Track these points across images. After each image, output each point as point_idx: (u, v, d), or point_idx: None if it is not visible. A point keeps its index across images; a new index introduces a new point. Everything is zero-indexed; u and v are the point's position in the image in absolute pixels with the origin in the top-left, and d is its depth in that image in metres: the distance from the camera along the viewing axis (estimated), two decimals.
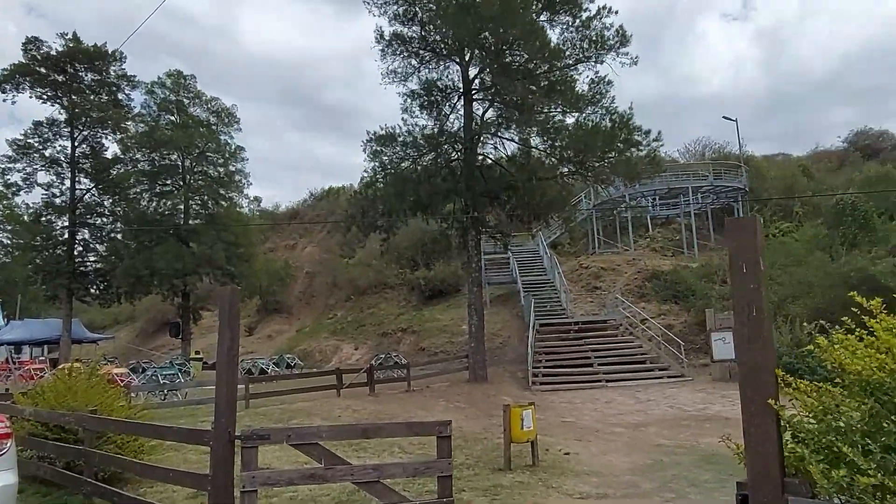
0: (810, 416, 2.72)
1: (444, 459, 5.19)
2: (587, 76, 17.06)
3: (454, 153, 18.88)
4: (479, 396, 15.79)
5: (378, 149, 18.97)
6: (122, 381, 16.73)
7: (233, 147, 32.50)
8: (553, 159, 17.24)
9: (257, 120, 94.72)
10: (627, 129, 15.42)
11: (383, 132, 19.30)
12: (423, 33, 17.86)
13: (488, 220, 19.90)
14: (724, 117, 36.50)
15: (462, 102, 18.72)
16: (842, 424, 2.48)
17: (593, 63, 16.32)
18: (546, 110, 16.63)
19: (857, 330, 2.70)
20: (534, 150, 18.02)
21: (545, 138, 17.21)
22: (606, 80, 16.89)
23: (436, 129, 18.87)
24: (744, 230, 2.52)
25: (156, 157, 31.40)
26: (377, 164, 19.53)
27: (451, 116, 19.08)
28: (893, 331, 2.46)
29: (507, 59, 16.62)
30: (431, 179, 18.18)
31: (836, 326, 3.05)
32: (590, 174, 16.63)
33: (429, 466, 5.17)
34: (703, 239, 31.76)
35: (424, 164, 19.09)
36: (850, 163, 41.07)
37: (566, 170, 17.23)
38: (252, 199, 34.61)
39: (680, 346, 18.76)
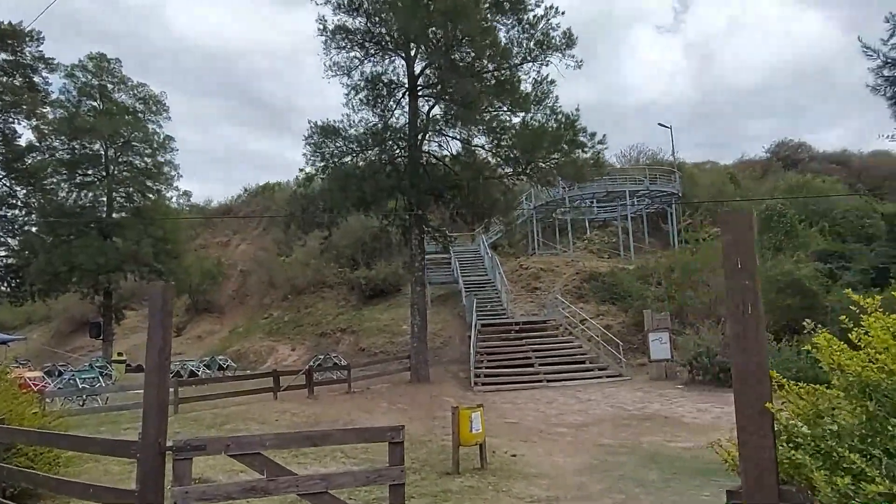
0: (799, 420, 2.61)
1: (396, 467, 4.89)
2: (532, 76, 17.11)
3: (398, 150, 18.54)
4: (421, 398, 15.51)
5: (321, 141, 18.39)
6: (35, 385, 15.43)
7: (161, 137, 30.84)
8: (498, 159, 17.20)
9: (187, 111, 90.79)
10: (573, 131, 15.56)
11: (326, 124, 18.76)
12: (368, 25, 17.44)
13: (432, 219, 19.67)
14: (659, 124, 37.92)
15: (407, 98, 18.41)
16: (835, 428, 2.36)
17: (539, 63, 16.40)
18: (492, 109, 16.56)
19: (855, 330, 2.59)
20: (479, 149, 17.95)
21: (491, 137, 17.15)
22: (550, 80, 17.04)
23: (380, 125, 18.48)
24: (739, 223, 2.37)
25: (76, 146, 29.37)
26: (319, 157, 18.95)
27: (395, 112, 18.75)
28: (891, 330, 2.36)
29: (454, 56, 16.44)
30: (376, 176, 17.78)
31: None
32: (535, 175, 16.68)
33: (381, 475, 4.85)
34: (638, 242, 32.73)
35: (368, 159, 18.67)
36: (772, 172, 43.48)
37: (511, 170, 17.21)
38: (182, 192, 32.96)
39: (619, 346, 19.12)
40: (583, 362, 19.08)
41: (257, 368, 25.88)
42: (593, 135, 15.67)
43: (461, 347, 22.32)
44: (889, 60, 13.60)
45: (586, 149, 15.77)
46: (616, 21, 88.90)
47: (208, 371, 24.26)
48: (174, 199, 32.44)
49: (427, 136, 18.46)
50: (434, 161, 19.04)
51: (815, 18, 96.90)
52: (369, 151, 18.70)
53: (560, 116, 15.66)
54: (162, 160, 30.94)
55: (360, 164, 19.14)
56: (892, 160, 46.04)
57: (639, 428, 11.66)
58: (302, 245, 28.18)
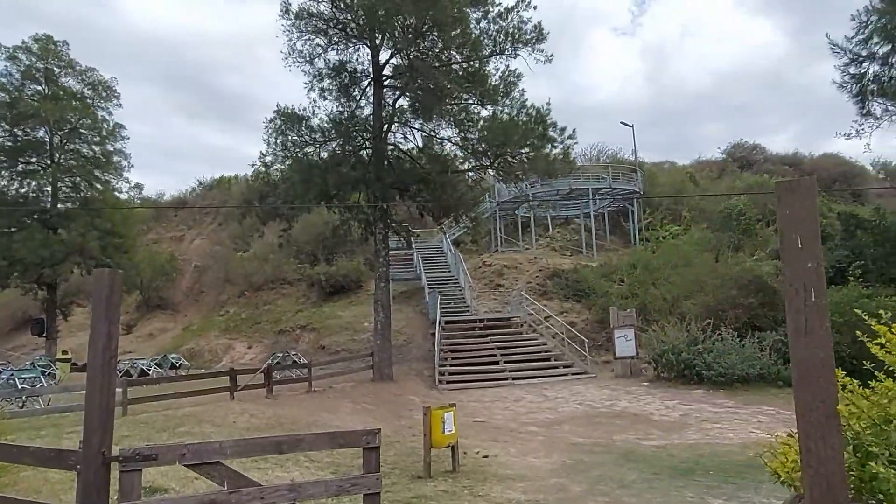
0: (861, 423, 2.31)
1: (371, 475, 4.47)
2: (500, 70, 16.80)
3: (363, 141, 17.99)
4: (386, 396, 15.05)
5: (282, 127, 17.69)
6: None
7: (111, 124, 29.30)
8: (466, 152, 16.84)
9: (138, 102, 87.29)
10: (543, 125, 15.32)
11: (289, 111, 18.05)
12: (333, 10, 16.80)
13: (396, 213, 19.20)
14: (621, 122, 38.21)
15: (372, 88, 17.87)
16: None
17: (509, 56, 16.09)
18: (460, 101, 16.19)
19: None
20: (446, 142, 17.56)
21: (458, 130, 16.78)
22: (517, 74, 16.75)
23: (344, 115, 17.88)
24: (800, 194, 2.03)
25: (18, 133, 27.63)
26: (279, 144, 18.22)
27: (360, 102, 18.18)
28: None
29: (423, 45, 15.98)
30: (339, 167, 17.19)
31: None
32: (503, 169, 16.39)
33: (355, 483, 4.42)
34: (599, 239, 32.94)
35: (332, 150, 18.07)
36: (728, 172, 44.49)
37: (479, 163, 16.88)
38: (133, 185, 31.40)
39: (584, 343, 19.04)
40: (548, 359, 18.93)
41: (212, 367, 24.92)
42: (563, 129, 15.52)
43: (425, 345, 21.93)
44: (855, 58, 13.81)
45: (556, 144, 15.60)
46: (575, 22, 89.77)
47: (160, 370, 23.17)
48: (124, 191, 30.92)
49: (393, 127, 17.96)
50: (400, 154, 18.55)
51: (764, 25, 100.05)
52: (333, 142, 18.09)
53: (531, 110, 15.41)
54: (111, 149, 29.41)
55: (324, 154, 18.52)
56: (840, 162, 47.87)
57: (610, 426, 11.50)
58: (260, 236, 27.20)
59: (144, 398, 13.27)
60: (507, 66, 16.71)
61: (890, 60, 12.95)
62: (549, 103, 15.34)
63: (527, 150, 15.40)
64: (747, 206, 26.95)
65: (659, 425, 11.37)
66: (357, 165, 17.40)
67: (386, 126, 17.76)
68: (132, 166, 30.41)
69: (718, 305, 18.46)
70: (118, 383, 14.82)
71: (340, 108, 18.02)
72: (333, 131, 17.79)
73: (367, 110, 18.31)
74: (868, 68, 13.76)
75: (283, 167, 18.77)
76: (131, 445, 9.62)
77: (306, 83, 18.62)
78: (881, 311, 3.57)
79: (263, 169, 18.27)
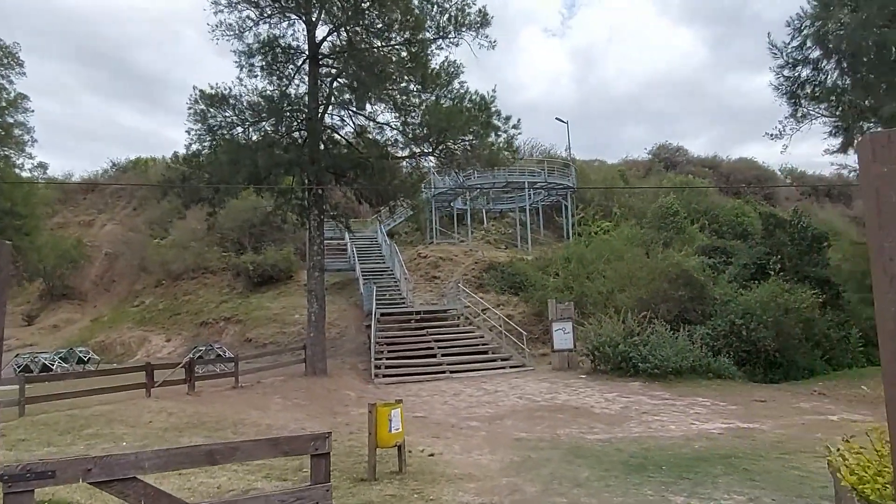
0: None
1: (321, 486, 3.86)
2: (443, 55, 16.27)
3: (297, 123, 17.02)
4: (319, 392, 14.27)
5: (206, 109, 16.48)
6: None
7: (12, 94, 26.61)
8: (406, 137, 16.21)
9: (46, 78, 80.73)
10: (487, 113, 14.93)
11: (214, 91, 16.82)
12: None
13: (332, 199, 18.35)
14: (556, 118, 38.69)
15: (308, 66, 16.91)
16: None
17: (452, 41, 15.57)
18: (401, 84, 15.54)
19: None
20: (385, 126, 16.84)
21: (399, 114, 16.13)
22: (458, 64, 16.28)
23: (277, 94, 16.84)
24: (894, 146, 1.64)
25: None
26: (204, 127, 16.98)
27: (295, 81, 17.19)
28: None
29: (363, 23, 15.20)
30: (271, 149, 16.18)
31: None
32: (445, 157, 15.90)
33: (301, 497, 3.80)
34: (534, 233, 33.15)
35: (263, 131, 16.99)
36: (654, 172, 46.08)
37: (421, 150, 16.29)
38: (37, 164, 28.72)
39: (522, 336, 18.91)
40: (486, 352, 18.68)
41: (125, 361, 23.18)
42: (508, 118, 15.19)
43: (359, 338, 21.22)
44: (789, 61, 14.24)
45: (500, 132, 15.25)
46: (507, 20, 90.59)
47: (65, 365, 21.25)
48: (27, 169, 28.21)
49: (329, 109, 17.07)
50: (337, 137, 17.69)
51: (685, 35, 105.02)
52: (264, 123, 17.00)
53: (475, 97, 14.98)
54: (11, 121, 26.72)
55: (255, 136, 17.41)
56: (754, 166, 50.84)
57: (552, 420, 11.28)
58: (181, 218, 25.50)
59: (46, 396, 11.92)
60: (448, 56, 16.26)
61: (821, 65, 13.42)
62: (494, 90, 15.00)
63: (470, 137, 14.98)
64: (675, 204, 27.81)
65: (601, 418, 11.26)
66: (290, 147, 16.44)
67: (322, 107, 16.86)
68: (35, 142, 27.79)
69: (651, 299, 18.80)
70: (13, 379, 13.30)
71: (273, 87, 16.96)
72: (265, 111, 16.71)
73: (303, 90, 17.35)
74: (801, 72, 14.23)
75: (208, 148, 17.50)
76: (29, 451, 8.43)
77: (235, 60, 17.46)
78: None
79: (188, 150, 16.96)
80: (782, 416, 10.81)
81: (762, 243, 23.15)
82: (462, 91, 15.02)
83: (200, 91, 16.93)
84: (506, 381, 15.84)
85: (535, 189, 32.47)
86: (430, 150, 15.85)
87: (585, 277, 22.54)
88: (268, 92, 17.10)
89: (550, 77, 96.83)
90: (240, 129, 17.32)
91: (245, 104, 17.06)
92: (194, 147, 17.36)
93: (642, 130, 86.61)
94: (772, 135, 20.78)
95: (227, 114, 17.05)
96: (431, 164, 16.89)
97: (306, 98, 16.97)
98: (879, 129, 12.41)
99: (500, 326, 19.59)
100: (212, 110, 16.96)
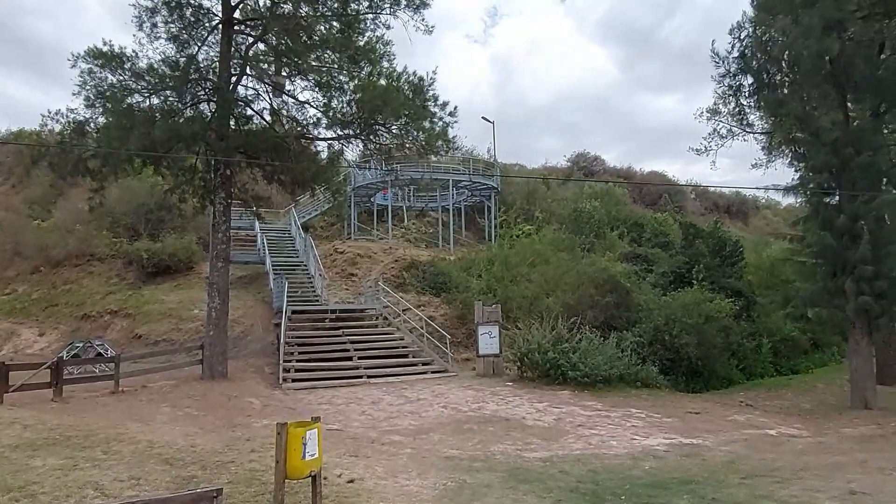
0: None
1: None
2: (375, 33, 14.86)
3: (205, 92, 15.06)
4: (217, 399, 12.46)
5: (95, 69, 14.21)
6: None
7: None
8: (332, 119, 14.65)
9: None
10: (423, 97, 13.69)
11: (108, 50, 14.56)
12: None
13: (241, 181, 16.50)
14: (483, 118, 37.88)
15: (220, 31, 15.00)
16: None
17: (387, 16, 14.21)
18: (326, 59, 14.01)
19: None
20: (307, 105, 15.21)
21: (324, 92, 14.56)
22: (388, 41, 14.94)
23: (182, 60, 14.80)
24: None
25: None
26: (93, 91, 14.66)
27: (205, 47, 15.21)
28: None
29: None
30: (171, 119, 14.17)
31: None
32: (373, 142, 14.50)
33: None
34: (455, 233, 32.27)
35: (165, 100, 14.91)
36: (574, 179, 46.75)
37: (345, 133, 14.79)
38: None
39: (444, 339, 17.83)
40: (406, 356, 17.44)
41: None
42: (445, 104, 13.99)
43: (266, 337, 19.33)
44: (731, 71, 14.06)
45: (435, 119, 14.06)
46: (430, 23, 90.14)
47: None
48: None
49: (244, 80, 15.23)
50: (250, 113, 15.84)
51: (598, 53, 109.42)
52: (167, 92, 14.90)
53: (412, 77, 13.68)
54: None
55: (152, 105, 15.24)
56: (664, 180, 53.11)
57: (483, 434, 10.22)
58: (63, 198, 22.41)
59: None
60: (383, 35, 14.86)
61: (762, 74, 13.28)
62: (434, 72, 13.78)
63: (403, 120, 13.68)
64: (598, 210, 27.81)
65: (535, 432, 10.33)
66: (195, 120, 14.47)
67: (235, 78, 15.00)
68: None
69: (578, 304, 18.30)
70: None
71: (178, 51, 14.89)
72: (168, 77, 14.63)
73: (214, 57, 15.39)
74: (742, 80, 14.10)
75: (97, 114, 15.17)
76: None
77: (135, 16, 15.25)
78: None
79: (69, 117, 14.60)
80: (721, 430, 10.33)
81: (682, 252, 23.44)
82: (398, 71, 13.73)
83: (91, 48, 14.62)
84: (428, 387, 14.66)
85: (459, 188, 31.60)
86: (357, 133, 14.39)
87: (510, 281, 21.83)
88: (172, 56, 15.03)
89: (471, 83, 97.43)
90: (137, 97, 15.11)
91: (144, 67, 14.89)
92: (83, 115, 14.99)
93: (558, 141, 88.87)
94: (697, 150, 20.99)
95: (121, 76, 14.81)
96: (357, 150, 15.38)
97: (217, 67, 15.05)
98: (809, 139, 12.14)
99: (422, 328, 18.41)
100: (104, 71, 14.67)
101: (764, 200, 60.45)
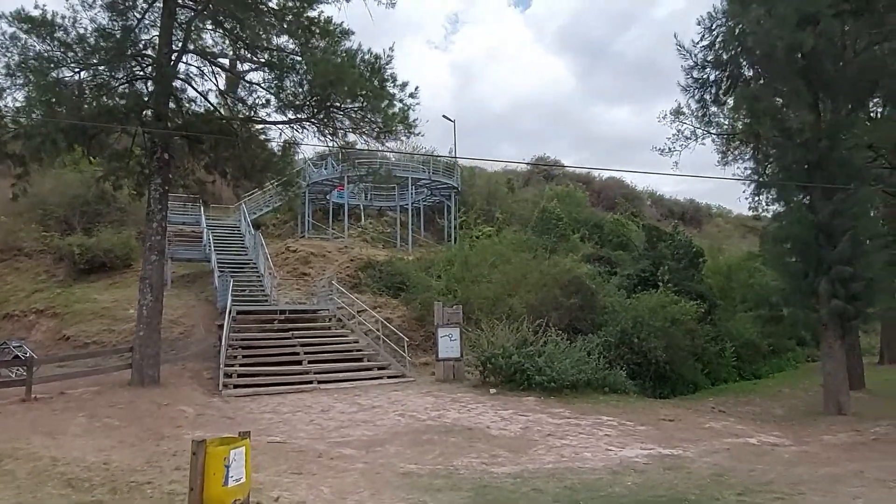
0: None
1: None
2: (331, 7, 13.72)
3: (142, 68, 13.65)
4: (145, 407, 11.08)
5: (20, 34, 12.68)
6: None
7: None
8: (283, 102, 13.44)
9: None
10: (381, 78, 12.64)
11: (39, 13, 13.01)
12: None
13: (183, 169, 15.12)
14: (443, 116, 36.99)
15: (161, 3, 13.63)
16: None
17: None
18: (283, 30, 12.79)
19: None
20: (257, 86, 13.93)
21: (272, 73, 13.34)
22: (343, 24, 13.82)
23: (118, 31, 13.37)
24: None
25: None
26: (14, 60, 13.09)
27: (145, 19, 13.80)
28: None
29: None
30: (104, 96, 12.75)
31: None
32: (326, 125, 13.36)
33: None
34: (414, 234, 31.28)
35: (96, 76, 13.45)
36: (534, 182, 46.48)
37: (297, 117, 13.59)
38: None
39: (402, 342, 16.79)
40: (361, 360, 16.32)
41: None
42: (404, 85, 12.95)
43: (208, 340, 17.86)
44: (698, 63, 13.55)
45: (394, 101, 13.02)
46: (391, 27, 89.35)
47: None
48: None
49: (186, 57, 13.86)
50: (195, 95, 14.47)
51: (557, 64, 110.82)
52: (100, 65, 13.41)
53: (367, 56, 12.59)
54: None
55: (82, 82, 13.72)
56: (622, 185, 53.47)
57: (444, 445, 9.23)
58: None
59: None
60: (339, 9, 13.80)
61: (733, 67, 12.81)
62: (392, 48, 12.71)
63: (359, 102, 12.59)
64: (562, 212, 27.28)
65: (501, 443, 9.41)
66: (130, 97, 13.07)
67: (177, 54, 13.64)
68: None
69: (542, 305, 17.54)
70: None
71: (114, 19, 13.43)
72: (102, 49, 13.15)
73: (154, 32, 14.00)
74: (710, 74, 13.61)
75: (20, 89, 13.57)
76: None
77: None
78: None
79: None
80: (700, 439, 9.63)
81: (645, 255, 23.04)
82: (354, 48, 12.62)
83: (19, 10, 13.03)
84: (384, 393, 13.59)
85: (419, 187, 30.64)
86: (309, 116, 13.21)
87: (470, 281, 20.93)
88: (107, 27, 13.56)
89: (432, 88, 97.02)
90: (64, 72, 13.58)
91: (73, 39, 13.38)
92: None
93: (516, 148, 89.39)
94: (661, 150, 20.62)
95: (49, 46, 13.26)
96: (312, 136, 14.12)
97: (157, 41, 13.67)
98: (781, 136, 11.60)
99: (378, 331, 17.30)
100: (31, 38, 13.11)
101: (716, 209, 61.79)
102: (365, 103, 12.57)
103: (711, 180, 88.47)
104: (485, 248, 24.46)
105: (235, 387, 13.69)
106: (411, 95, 13.01)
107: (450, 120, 35.22)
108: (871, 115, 14.89)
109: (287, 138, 14.33)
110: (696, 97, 13.91)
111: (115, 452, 8.05)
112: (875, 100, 13.34)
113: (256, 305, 18.91)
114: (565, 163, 55.51)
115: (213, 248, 22.62)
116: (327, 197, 31.83)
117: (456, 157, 34.50)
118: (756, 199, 20.41)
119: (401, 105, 12.90)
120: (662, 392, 16.24)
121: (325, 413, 11.53)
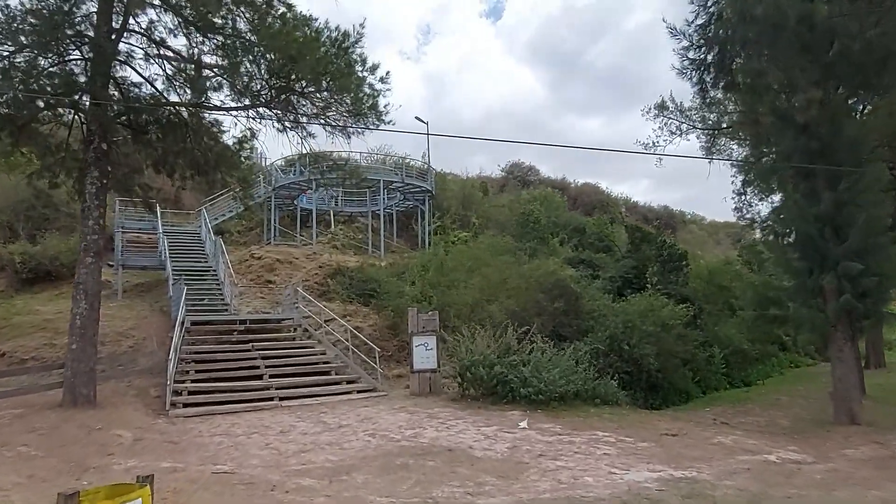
0: None
1: None
2: None
3: (78, 48, 12.15)
4: (72, 433, 9.52)
5: None
6: None
7: None
8: (237, 89, 12.07)
9: None
10: (348, 59, 11.36)
11: None
12: None
13: (129, 164, 13.61)
14: (416, 118, 35.87)
15: None
16: None
17: None
18: (230, 12, 11.46)
19: None
20: (208, 70, 12.53)
21: (225, 57, 11.97)
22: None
23: (51, 4, 11.87)
24: None
25: None
26: None
27: None
28: None
29: None
30: (34, 76, 11.24)
31: None
32: (286, 112, 12.03)
33: None
34: (386, 239, 29.95)
35: (28, 52, 11.91)
36: (509, 188, 45.65)
37: (253, 103, 12.22)
38: None
39: (373, 352, 15.43)
40: (328, 373, 14.88)
41: None
42: (375, 67, 11.67)
43: (160, 354, 16.22)
44: (694, 43, 12.63)
45: (363, 85, 11.74)
46: (365, 38, 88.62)
47: None
48: None
49: (128, 36, 12.40)
50: (139, 80, 12.98)
51: (528, 74, 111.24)
52: (27, 40, 11.87)
53: (336, 33, 11.22)
54: None
55: (13, 65, 12.15)
56: (598, 191, 53.17)
57: (421, 471, 7.92)
58: None
59: None
60: None
61: (734, 43, 11.88)
62: (363, 25, 11.41)
63: (324, 83, 11.30)
64: (542, 214, 26.27)
65: (487, 467, 8.13)
66: (63, 77, 11.57)
67: (117, 31, 12.18)
68: None
69: (524, 311, 16.37)
70: None
71: None
72: (30, 26, 11.63)
73: (93, 7, 12.51)
74: (706, 55, 12.68)
75: None
76: None
77: None
78: None
79: None
80: (712, 458, 8.48)
81: (629, 257, 22.10)
82: (318, 25, 11.30)
83: None
84: (353, 410, 12.20)
85: (391, 191, 29.36)
86: (268, 101, 11.87)
87: (447, 286, 19.67)
88: (36, 2, 12.04)
89: (405, 98, 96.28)
90: None
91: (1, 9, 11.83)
92: None
93: (489, 157, 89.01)
94: (645, 144, 19.79)
95: None
96: (272, 127, 12.75)
97: (95, 16, 12.19)
98: (784, 117, 10.52)
99: (348, 341, 15.91)
100: None
101: (690, 216, 61.91)
102: (331, 83, 11.24)
103: (689, 188, 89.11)
104: (462, 252, 23.27)
105: (185, 405, 12.15)
106: (382, 80, 11.77)
107: (422, 121, 34.11)
108: (871, 100, 14.13)
109: (244, 129, 12.91)
110: (695, 79, 12.96)
111: (17, 491, 6.56)
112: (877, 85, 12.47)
113: (215, 315, 17.37)
114: (541, 169, 54.75)
115: (168, 255, 20.96)
116: (295, 202, 30.36)
117: (429, 163, 33.35)
118: (742, 197, 19.73)
119: (370, 91, 11.63)
120: (654, 402, 15.18)
121: (284, 435, 10.11)
